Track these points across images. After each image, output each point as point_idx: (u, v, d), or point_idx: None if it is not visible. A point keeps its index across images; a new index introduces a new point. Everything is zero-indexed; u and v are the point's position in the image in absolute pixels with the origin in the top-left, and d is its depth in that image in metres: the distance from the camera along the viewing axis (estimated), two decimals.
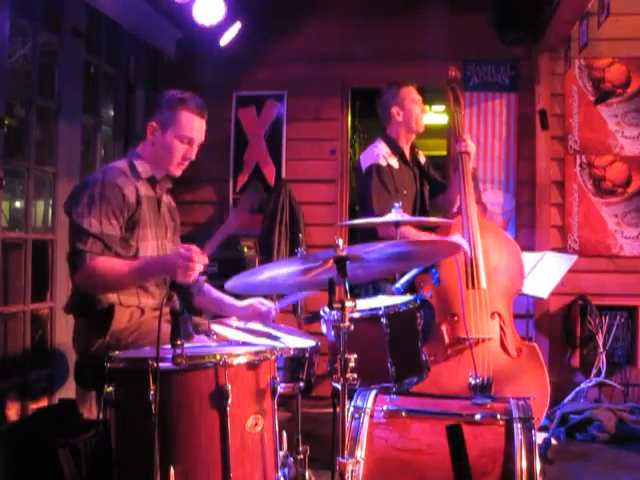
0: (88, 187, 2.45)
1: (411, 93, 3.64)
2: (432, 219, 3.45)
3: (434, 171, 3.85)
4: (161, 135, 2.54)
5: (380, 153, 3.58)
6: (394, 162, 3.60)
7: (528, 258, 3.88)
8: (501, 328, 3.34)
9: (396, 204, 3.00)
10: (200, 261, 2.24)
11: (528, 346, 3.40)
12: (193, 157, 2.61)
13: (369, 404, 2.25)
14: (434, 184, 3.81)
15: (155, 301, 2.57)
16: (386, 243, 2.16)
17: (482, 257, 3.40)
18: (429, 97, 4.99)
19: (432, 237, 3.38)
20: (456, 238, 3.28)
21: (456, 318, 3.32)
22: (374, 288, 3.34)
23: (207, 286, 2.75)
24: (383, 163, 3.55)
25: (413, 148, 3.75)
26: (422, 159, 3.81)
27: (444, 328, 3.31)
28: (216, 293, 2.74)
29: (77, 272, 2.37)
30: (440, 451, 2.05)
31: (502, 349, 3.32)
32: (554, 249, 4.49)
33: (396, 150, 3.64)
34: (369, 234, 3.41)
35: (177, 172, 2.62)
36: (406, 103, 3.62)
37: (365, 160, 3.62)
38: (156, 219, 2.62)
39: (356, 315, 2.40)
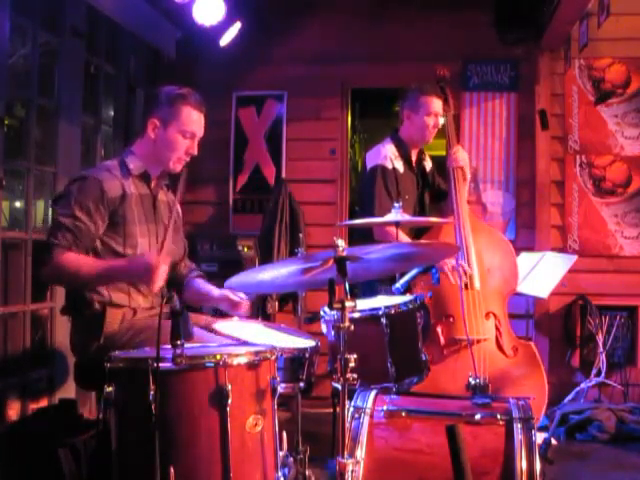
0: (70, 184, 2.49)
1: (430, 105, 3.53)
2: (429, 219, 3.46)
3: (439, 178, 3.82)
4: (163, 131, 2.53)
5: (387, 155, 3.53)
6: (399, 165, 3.56)
7: (528, 258, 3.90)
8: (496, 328, 3.35)
9: (396, 204, 2.99)
10: (162, 271, 2.29)
11: (524, 345, 3.41)
12: (195, 152, 2.60)
13: (369, 404, 2.25)
14: (439, 192, 3.78)
15: (147, 300, 2.56)
16: (385, 244, 2.16)
17: (475, 258, 3.41)
18: None
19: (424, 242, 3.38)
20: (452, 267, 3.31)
21: (452, 319, 3.33)
22: (372, 289, 3.33)
23: (196, 280, 2.74)
24: (389, 166, 3.51)
25: (420, 153, 3.71)
26: (428, 165, 3.77)
27: (439, 329, 3.32)
28: (198, 285, 2.73)
29: (44, 265, 2.37)
30: (440, 451, 2.05)
31: (498, 349, 3.33)
32: (554, 249, 4.49)
33: (403, 153, 3.59)
34: (365, 235, 3.40)
35: (177, 168, 2.60)
36: (421, 112, 3.53)
37: (371, 159, 3.58)
38: (151, 216, 2.59)
39: (356, 315, 2.40)
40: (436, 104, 3.55)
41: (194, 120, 2.55)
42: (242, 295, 2.56)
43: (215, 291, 2.64)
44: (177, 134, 2.54)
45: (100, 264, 2.40)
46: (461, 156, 3.63)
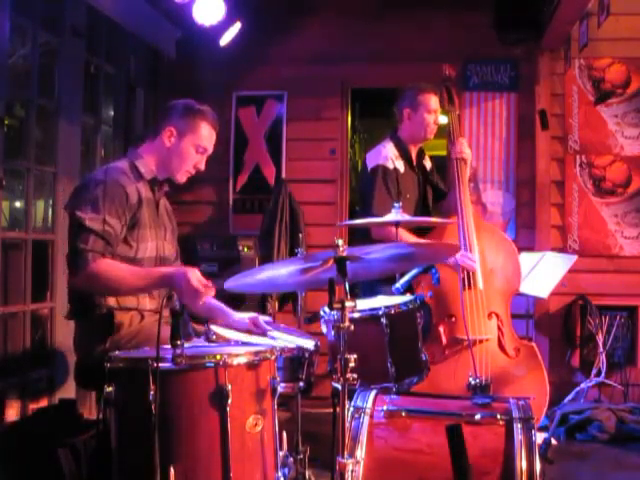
0: (90, 187, 2.44)
1: (428, 102, 3.55)
2: (430, 219, 3.45)
3: (437, 177, 3.82)
4: (178, 141, 2.56)
5: (388, 155, 3.53)
6: (400, 165, 3.56)
7: (528, 258, 3.89)
8: (499, 328, 3.35)
9: (396, 204, 2.99)
10: (208, 294, 2.27)
11: (526, 346, 3.40)
12: (203, 168, 2.65)
13: (369, 404, 2.25)
14: (436, 191, 3.78)
15: (154, 301, 2.56)
16: (385, 244, 2.16)
17: (479, 258, 3.40)
18: None
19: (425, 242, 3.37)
20: (460, 257, 3.28)
21: (454, 319, 3.32)
22: (372, 289, 3.33)
23: None
24: (390, 165, 3.51)
25: (420, 153, 3.71)
26: (428, 164, 3.77)
27: (441, 329, 3.31)
28: (212, 301, 2.72)
29: (78, 273, 2.33)
30: (440, 451, 2.05)
31: (500, 349, 3.32)
32: (554, 249, 4.49)
33: (404, 153, 3.59)
34: (367, 235, 3.40)
35: (183, 179, 2.64)
36: (420, 110, 3.55)
37: (371, 159, 3.58)
38: (155, 221, 2.61)
39: (356, 315, 2.40)
40: (435, 101, 3.58)
41: (209, 137, 2.60)
42: (263, 321, 2.52)
43: (235, 315, 2.60)
44: (191, 146, 2.57)
45: (139, 272, 2.38)
46: (465, 148, 3.63)
